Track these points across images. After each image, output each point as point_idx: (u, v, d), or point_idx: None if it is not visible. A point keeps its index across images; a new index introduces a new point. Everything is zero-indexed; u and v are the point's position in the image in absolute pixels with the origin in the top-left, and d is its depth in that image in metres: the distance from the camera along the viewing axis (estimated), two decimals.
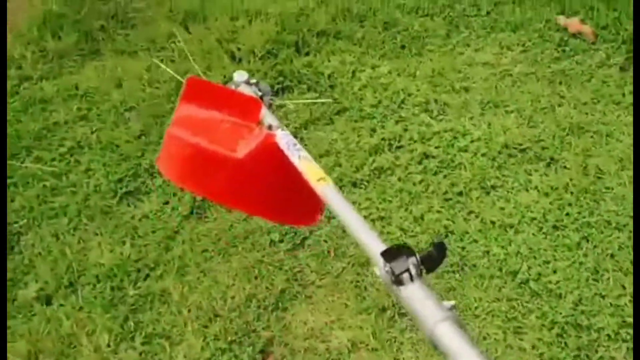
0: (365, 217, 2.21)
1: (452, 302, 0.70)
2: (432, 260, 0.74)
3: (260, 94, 1.37)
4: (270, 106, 1.34)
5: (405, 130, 2.57)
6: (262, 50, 2.91)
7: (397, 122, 2.62)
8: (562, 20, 3.12)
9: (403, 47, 3.07)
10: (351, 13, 3.27)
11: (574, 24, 3.09)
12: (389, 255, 0.74)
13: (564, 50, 2.99)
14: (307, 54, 2.98)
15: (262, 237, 2.21)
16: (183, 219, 2.28)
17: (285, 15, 3.12)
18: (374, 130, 2.59)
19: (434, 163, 2.42)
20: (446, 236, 2.16)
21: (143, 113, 2.67)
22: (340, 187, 2.36)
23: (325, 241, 2.18)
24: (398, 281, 0.72)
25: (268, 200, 1.27)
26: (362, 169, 2.42)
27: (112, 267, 2.11)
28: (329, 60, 2.94)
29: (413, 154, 2.46)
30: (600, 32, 3.06)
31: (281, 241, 2.19)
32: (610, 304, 1.91)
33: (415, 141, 2.52)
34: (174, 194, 2.37)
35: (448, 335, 0.67)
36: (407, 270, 0.71)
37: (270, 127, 1.20)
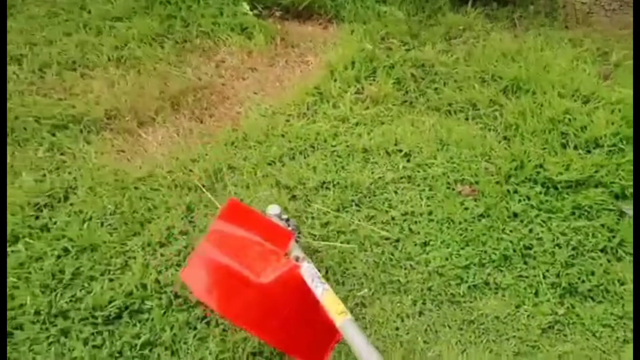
0: None
1: None
2: None
3: (290, 228, 1.50)
4: (297, 241, 1.44)
5: None
6: (608, 142, 2.60)
7: None
8: None
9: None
10: None
11: None
12: None
13: None
14: None
15: None
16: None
17: (625, 105, 2.80)
18: None
19: None
20: None
21: (481, 190, 2.44)
22: None
23: None
24: None
25: (283, 329, 1.30)
26: None
27: None
28: None
29: None
30: None
31: None
32: None
33: None
34: (527, 298, 2.11)
35: None
36: None
37: (297, 259, 1.29)
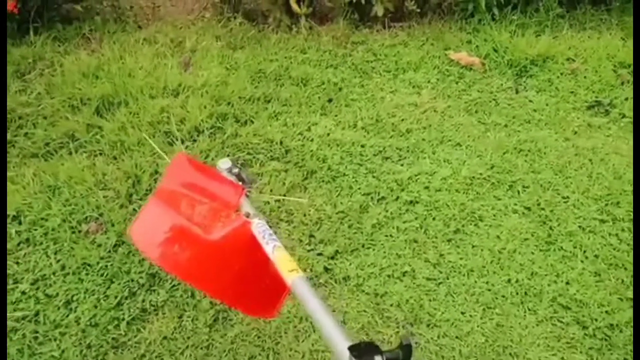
0: (389, 276, 2.26)
1: None
2: None
3: (241, 182, 1.43)
4: (247, 196, 1.39)
5: (379, 180, 2.66)
6: (207, 126, 2.75)
7: (366, 174, 2.69)
8: (453, 55, 3.50)
9: (330, 100, 3.15)
10: (265, 74, 3.26)
11: (464, 57, 3.48)
12: (357, 351, 0.74)
13: (464, 82, 3.36)
14: (248, 122, 2.90)
15: None
16: None
17: (210, 87, 2.99)
18: (351, 187, 2.62)
19: (422, 208, 2.54)
20: (469, 276, 2.29)
21: (107, 220, 2.34)
22: (351, 252, 2.36)
23: None
24: None
25: (231, 285, 1.29)
26: (361, 229, 2.44)
27: None
28: (270, 126, 2.90)
29: (399, 202, 2.56)
30: (484, 61, 3.50)
31: None
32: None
33: (393, 190, 2.62)
34: (186, 304, 2.13)
35: None
36: None
37: (247, 215, 1.27)
